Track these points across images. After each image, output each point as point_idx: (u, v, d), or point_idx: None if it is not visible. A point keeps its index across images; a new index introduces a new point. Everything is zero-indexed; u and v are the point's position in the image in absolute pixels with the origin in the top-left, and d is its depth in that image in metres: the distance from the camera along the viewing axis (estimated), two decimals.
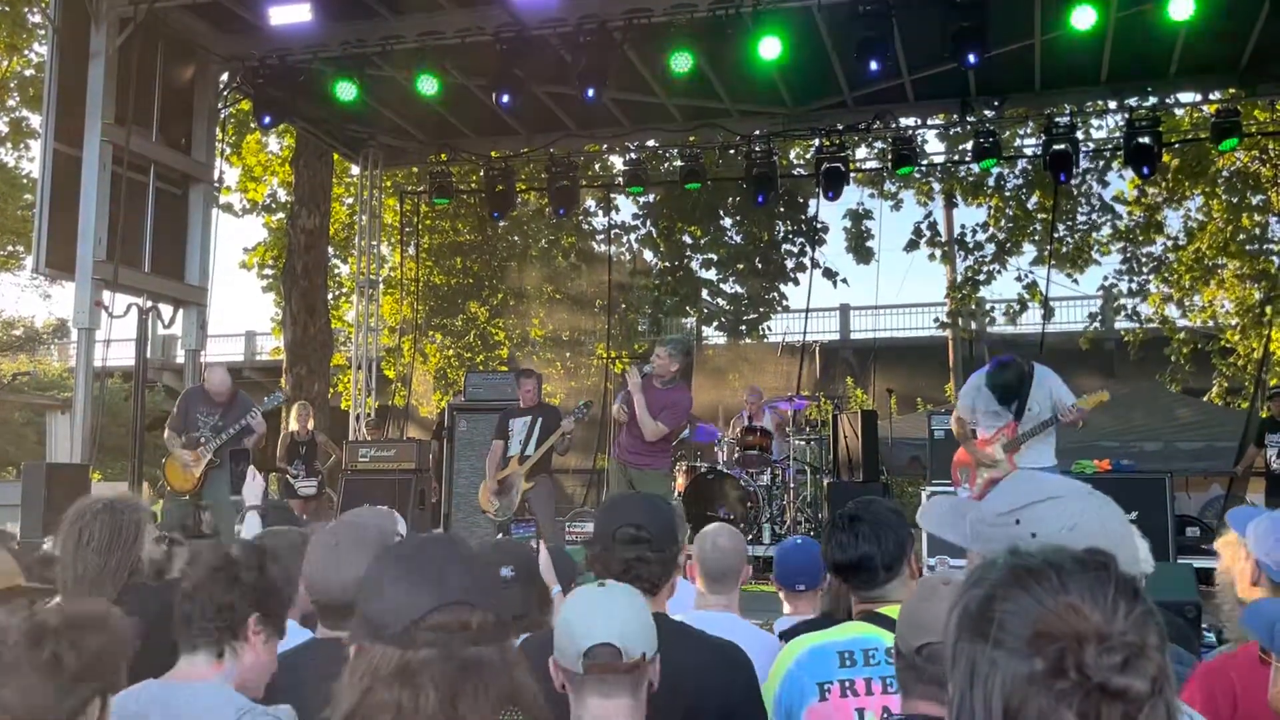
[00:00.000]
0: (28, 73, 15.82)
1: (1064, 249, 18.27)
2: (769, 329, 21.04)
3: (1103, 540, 1.38)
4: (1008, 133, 15.14)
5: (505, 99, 9.96)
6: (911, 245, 19.41)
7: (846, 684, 2.63)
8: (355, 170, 14.62)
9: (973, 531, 1.64)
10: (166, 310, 10.05)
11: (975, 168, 15.39)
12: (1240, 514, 2.92)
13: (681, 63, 9.31)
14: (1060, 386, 6.79)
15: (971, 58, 9.18)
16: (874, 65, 9.22)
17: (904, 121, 12.10)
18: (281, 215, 18.10)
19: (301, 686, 2.39)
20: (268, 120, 10.91)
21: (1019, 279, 18.83)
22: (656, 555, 2.63)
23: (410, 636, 1.47)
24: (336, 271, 18.98)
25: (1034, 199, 17.93)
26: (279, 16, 9.69)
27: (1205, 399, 18.20)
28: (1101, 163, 17.51)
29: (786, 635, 3.32)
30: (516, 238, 20.78)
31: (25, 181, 17.93)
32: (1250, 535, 2.74)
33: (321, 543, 2.69)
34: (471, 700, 1.45)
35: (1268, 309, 16.37)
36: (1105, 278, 19.21)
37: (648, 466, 8.12)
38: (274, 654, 2.48)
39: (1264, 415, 10.65)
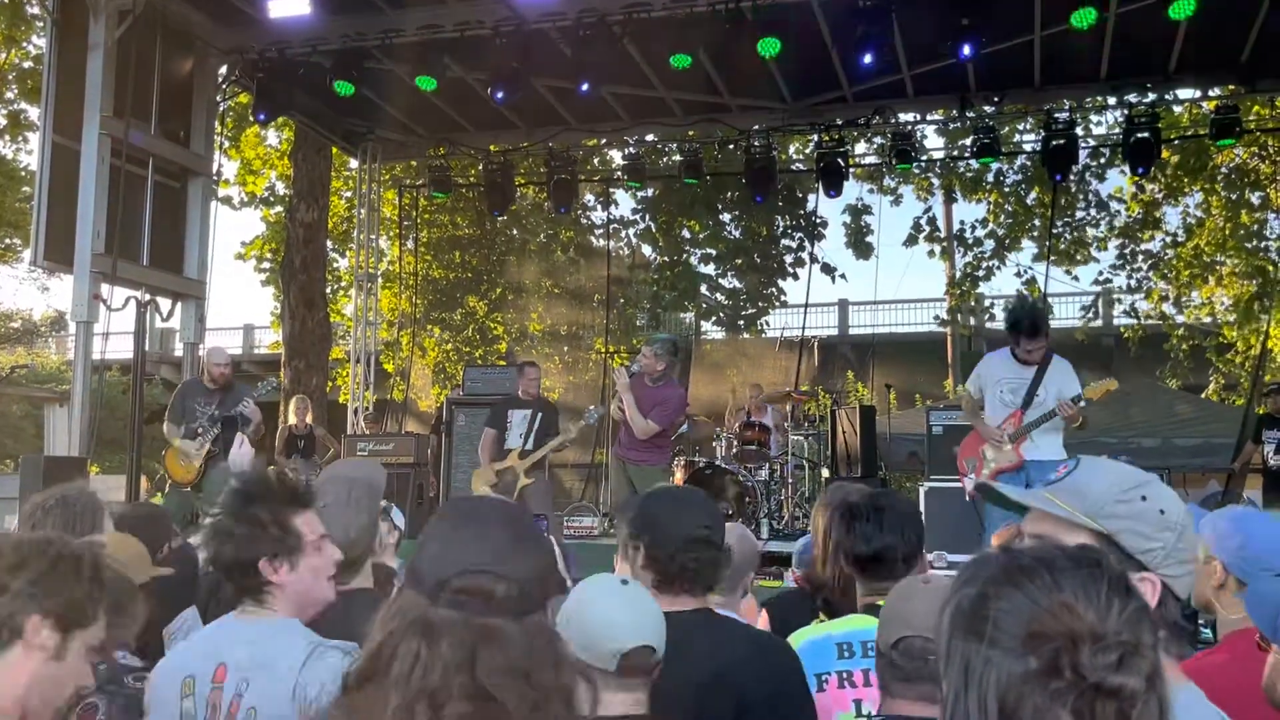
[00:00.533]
0: (26, 65, 15.77)
1: (1063, 245, 18.27)
2: (767, 324, 21.06)
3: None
4: (1007, 128, 15.13)
5: (502, 94, 9.95)
6: (911, 241, 19.41)
7: (844, 675, 2.64)
8: (354, 164, 14.59)
9: (1101, 509, 1.55)
10: (165, 303, 10.04)
11: (974, 163, 15.41)
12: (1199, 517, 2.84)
13: (683, 59, 9.30)
14: (1069, 379, 6.58)
15: (971, 53, 9.17)
16: (873, 60, 9.22)
17: (903, 117, 12.10)
18: (280, 209, 18.08)
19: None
20: (266, 114, 10.90)
21: (1018, 275, 18.86)
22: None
23: (436, 594, 1.51)
24: (335, 265, 18.96)
25: (1033, 195, 17.94)
26: (278, 9, 9.67)
27: (1203, 395, 18.22)
28: (1101, 159, 17.51)
29: (770, 605, 3.34)
30: (515, 232, 20.77)
31: (23, 174, 17.88)
32: (1209, 535, 2.64)
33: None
34: (484, 667, 1.47)
35: (1265, 305, 16.37)
36: (1100, 273, 19.21)
37: (645, 463, 8.12)
38: (311, 581, 2.45)
39: (1261, 411, 10.67)
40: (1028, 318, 6.58)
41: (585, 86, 9.67)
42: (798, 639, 2.78)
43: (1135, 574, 1.49)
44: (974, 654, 1.11)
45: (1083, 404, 6.44)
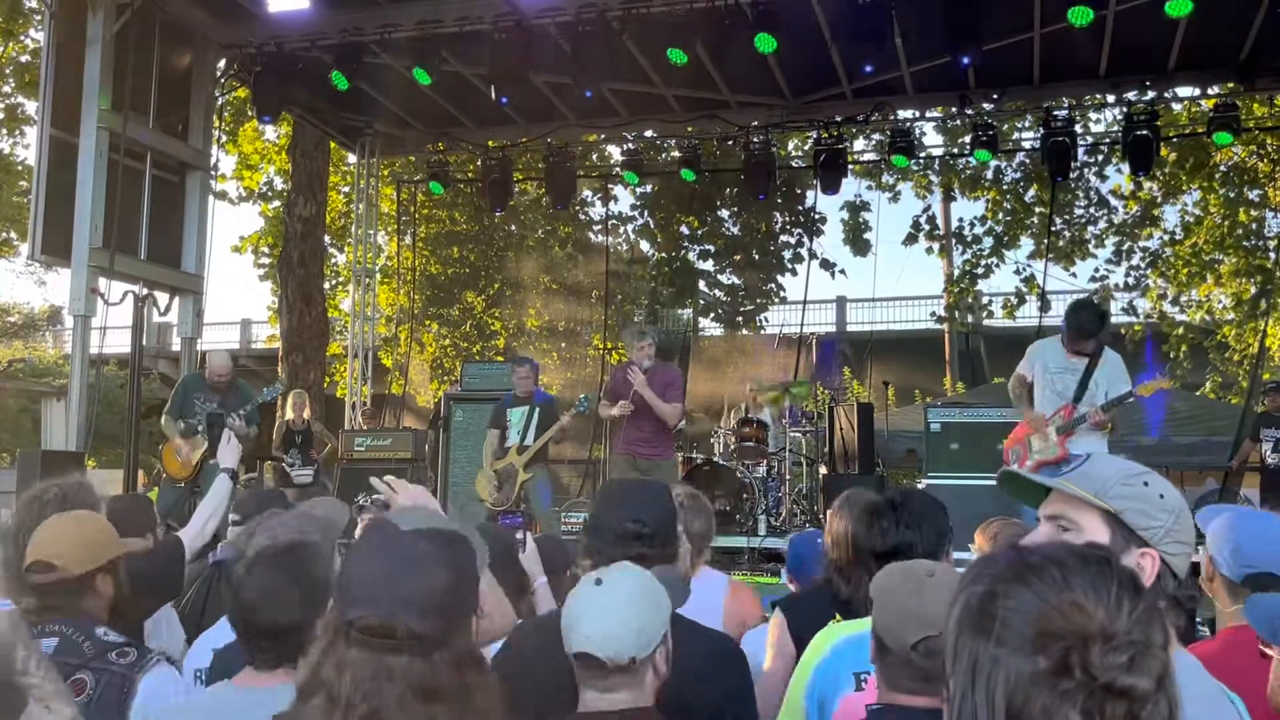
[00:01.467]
0: (24, 59, 15.74)
1: (1061, 243, 18.28)
2: (766, 320, 21.04)
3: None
4: (1006, 126, 15.13)
5: (501, 90, 9.95)
6: (910, 239, 19.40)
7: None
8: (352, 159, 14.57)
9: (1107, 491, 1.74)
10: (162, 298, 10.01)
11: (973, 161, 15.39)
12: (1207, 513, 2.95)
13: (681, 54, 9.29)
14: (1119, 376, 6.49)
15: (970, 50, 9.17)
16: (872, 57, 9.21)
17: (902, 114, 12.08)
18: (278, 203, 18.07)
19: None
20: (264, 108, 10.86)
21: (1017, 273, 18.87)
22: (657, 552, 2.61)
23: (345, 632, 1.56)
24: (333, 260, 18.96)
25: (1032, 192, 17.94)
26: (277, 3, 9.67)
27: (1200, 394, 18.23)
28: (1100, 157, 17.51)
29: (782, 604, 3.33)
30: (513, 227, 20.76)
31: (20, 168, 17.86)
32: (1209, 533, 2.80)
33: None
34: (388, 703, 1.52)
35: (1264, 304, 16.38)
36: (1097, 269, 19.22)
37: (657, 457, 8.07)
38: None
39: (1259, 410, 10.67)
40: (1079, 319, 6.53)
41: (589, 95, 9.69)
42: (837, 633, 2.75)
43: (1138, 549, 1.70)
44: (982, 652, 1.10)
45: (1131, 399, 6.38)
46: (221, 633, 2.95)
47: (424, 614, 1.56)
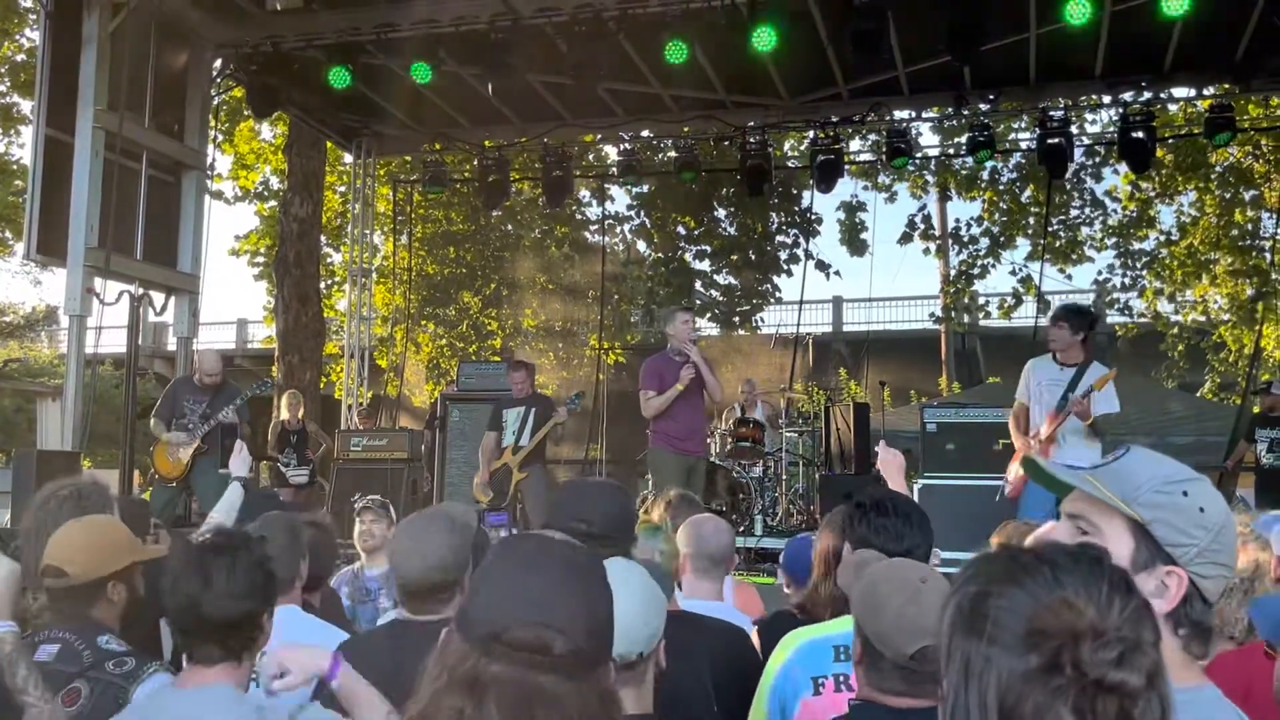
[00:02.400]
0: (19, 58, 15.72)
1: (1057, 243, 18.30)
2: (762, 321, 21.05)
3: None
4: (1002, 126, 15.14)
5: (499, 91, 9.94)
6: (905, 238, 19.42)
7: (841, 678, 2.62)
8: (348, 158, 14.56)
9: (1138, 497, 1.54)
10: (158, 297, 10.00)
11: (970, 161, 15.41)
12: (1267, 521, 2.94)
13: (676, 53, 9.29)
14: (1092, 379, 6.44)
15: (966, 51, 9.17)
16: (869, 58, 9.21)
17: (899, 114, 12.08)
18: (274, 203, 18.05)
19: (378, 665, 2.43)
20: (260, 108, 10.86)
21: (1013, 273, 18.89)
22: (607, 552, 2.59)
23: (488, 646, 1.39)
24: (329, 260, 18.94)
25: (1028, 193, 17.96)
26: (273, 2, 9.64)
27: (1198, 394, 18.26)
28: (1096, 158, 17.53)
29: (765, 626, 3.31)
30: (510, 227, 20.76)
31: (16, 168, 17.82)
32: (1276, 539, 2.78)
33: (405, 527, 2.82)
34: None
35: (1260, 304, 16.40)
36: (1099, 272, 19.29)
37: (698, 454, 7.80)
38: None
39: (1255, 410, 10.69)
40: (1060, 307, 6.81)
41: (586, 94, 9.68)
42: (797, 638, 2.76)
43: (1164, 566, 1.50)
44: (974, 652, 1.10)
45: (1093, 394, 6.35)
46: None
47: (584, 633, 1.40)
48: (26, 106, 16.11)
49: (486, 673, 1.37)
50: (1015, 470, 6.67)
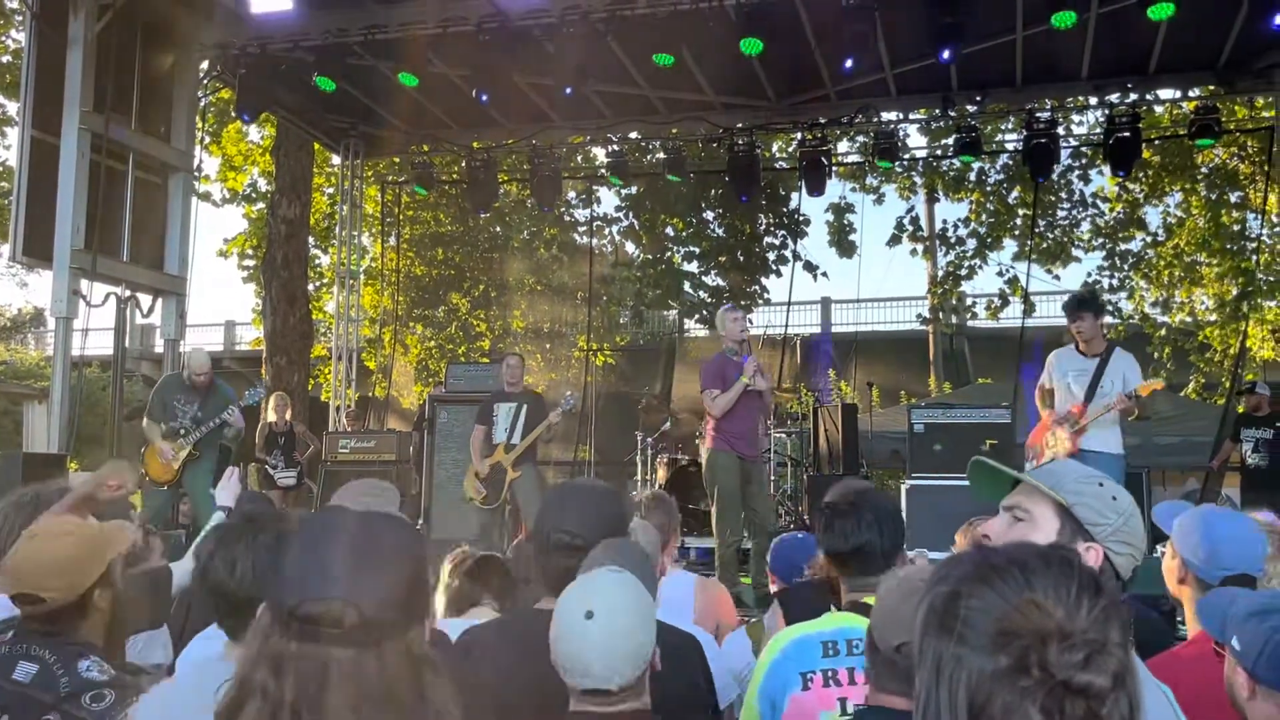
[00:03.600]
0: (4, 59, 15.65)
1: (1045, 244, 18.37)
2: (751, 322, 21.04)
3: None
4: (989, 128, 15.19)
5: (485, 91, 9.92)
6: (894, 240, 19.48)
7: (829, 673, 2.64)
8: (336, 160, 14.53)
9: (1063, 485, 1.88)
10: (145, 299, 9.99)
11: (957, 163, 15.47)
12: (1164, 510, 2.96)
13: (666, 56, 9.30)
14: (1133, 369, 6.75)
15: (952, 53, 9.20)
16: (856, 59, 9.23)
17: (886, 115, 12.12)
18: (262, 205, 18.00)
19: None
20: (247, 110, 10.83)
21: (1000, 274, 18.96)
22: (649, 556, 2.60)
23: (285, 624, 1.41)
24: (317, 262, 18.89)
25: (1015, 194, 18.02)
26: (260, 4, 9.63)
27: (1182, 394, 18.34)
28: (1083, 159, 17.60)
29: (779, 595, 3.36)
30: (498, 229, 20.75)
31: (1, 169, 17.76)
32: (1175, 532, 2.79)
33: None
34: (332, 703, 1.38)
35: (1244, 305, 16.48)
36: (1089, 274, 19.36)
37: (758, 459, 7.72)
38: None
39: (1240, 410, 10.75)
40: (1074, 298, 6.92)
41: (569, 90, 9.65)
42: (786, 636, 2.78)
43: (1084, 543, 1.82)
44: (945, 651, 1.12)
45: (1134, 399, 6.59)
46: (196, 650, 2.92)
47: (379, 602, 1.42)
48: (12, 108, 16.05)
49: (286, 650, 1.40)
50: (1041, 456, 6.91)
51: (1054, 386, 7.02)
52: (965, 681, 1.10)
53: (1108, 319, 19.58)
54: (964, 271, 18.95)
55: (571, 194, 19.60)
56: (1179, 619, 5.07)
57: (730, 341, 7.76)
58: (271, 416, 11.31)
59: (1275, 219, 14.01)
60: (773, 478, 10.90)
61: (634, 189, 18.69)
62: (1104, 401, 6.64)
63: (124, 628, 2.71)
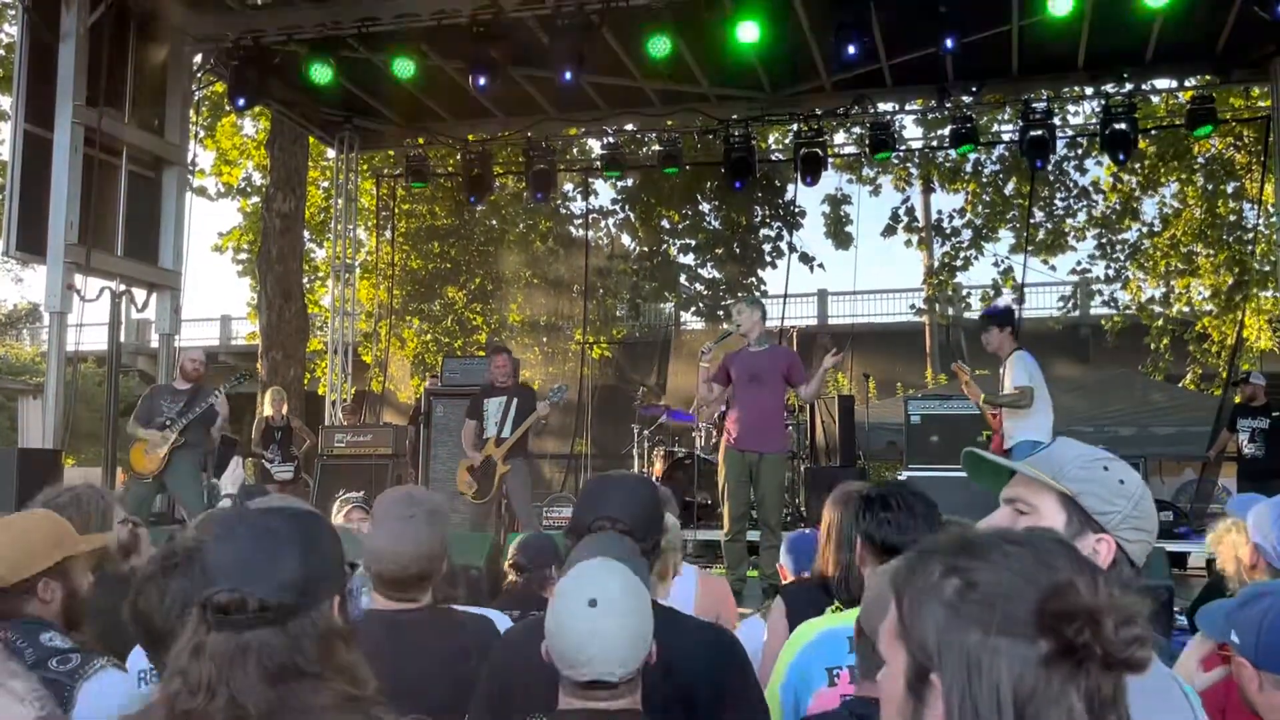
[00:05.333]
0: None
1: (1040, 235, 18.37)
2: (739, 311, 21.01)
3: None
4: (985, 118, 15.17)
5: (480, 83, 9.89)
6: (889, 230, 19.47)
7: (855, 669, 2.61)
8: (331, 153, 14.50)
9: (1064, 473, 1.72)
10: (140, 294, 9.95)
11: (953, 154, 15.44)
12: (1242, 501, 2.97)
13: (659, 46, 9.28)
14: (1019, 374, 7.27)
15: (949, 43, 9.19)
16: (852, 50, 9.21)
17: (882, 107, 12.11)
18: (257, 199, 17.97)
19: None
20: (242, 103, 10.79)
21: (995, 265, 18.97)
22: (642, 548, 2.59)
23: (203, 615, 1.56)
24: (312, 256, 18.87)
25: (1011, 185, 18.01)
26: None
27: (1180, 385, 18.36)
28: (1080, 150, 17.59)
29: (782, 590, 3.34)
30: (494, 222, 20.72)
31: None
32: (1251, 520, 2.80)
33: (387, 514, 2.77)
34: (239, 683, 1.52)
35: (1241, 295, 16.49)
36: (1079, 263, 19.36)
37: (777, 450, 7.63)
38: None
39: (1236, 400, 10.75)
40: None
41: (568, 75, 9.60)
42: (811, 630, 2.75)
43: (1094, 534, 1.68)
44: (978, 645, 1.05)
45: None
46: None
47: (276, 587, 1.56)
48: (4, 102, 15.96)
49: (206, 640, 1.55)
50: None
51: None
52: (1008, 672, 1.03)
53: (1102, 310, 19.64)
54: (959, 263, 18.96)
55: (567, 186, 19.57)
56: (1175, 609, 5.07)
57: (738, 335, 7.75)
58: (268, 411, 11.29)
59: (1272, 209, 13.93)
60: None
61: (630, 181, 18.67)
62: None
63: (82, 626, 2.70)
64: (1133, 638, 1.02)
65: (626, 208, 19.93)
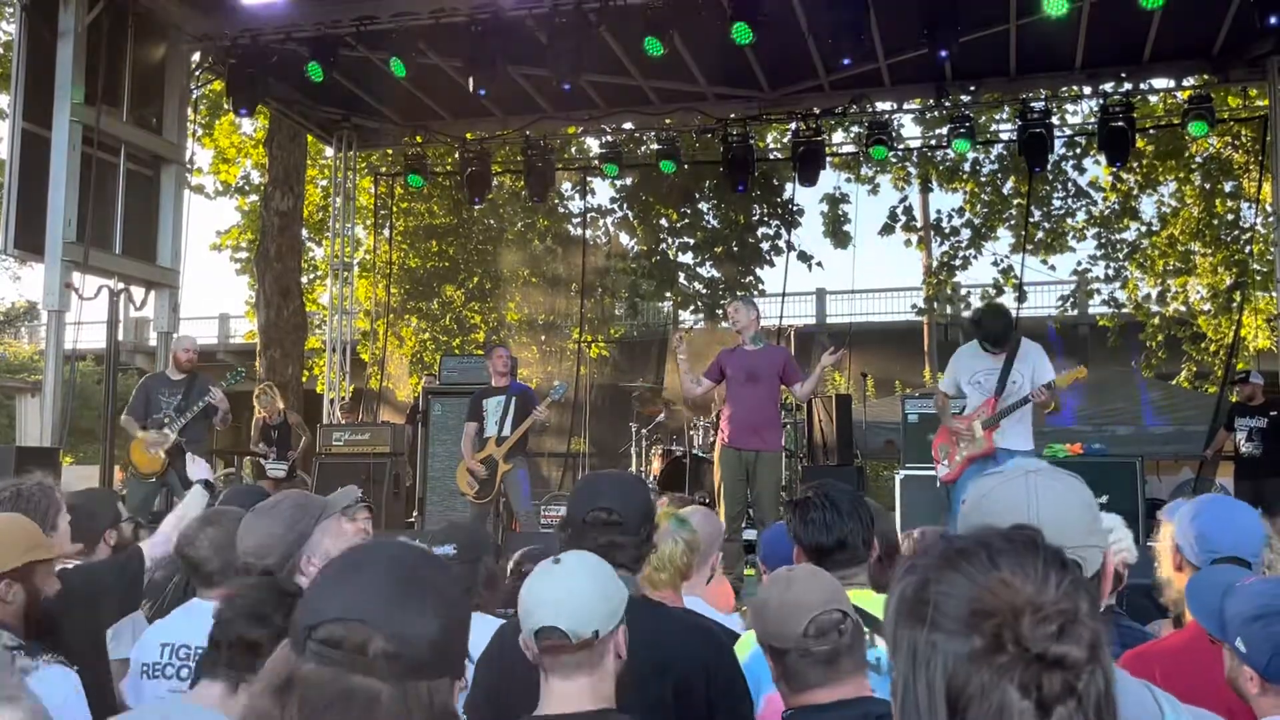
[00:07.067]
0: None
1: (1039, 234, 18.38)
2: (735, 310, 21.00)
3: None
4: (983, 118, 15.16)
5: (478, 82, 9.89)
6: (886, 229, 19.46)
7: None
8: (329, 152, 14.49)
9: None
10: (138, 292, 9.95)
11: (951, 153, 15.45)
12: (1174, 506, 3.02)
13: (657, 45, 9.28)
14: (1042, 363, 6.75)
15: (946, 42, 9.19)
16: (850, 49, 9.21)
17: (880, 105, 12.10)
18: (255, 198, 17.96)
19: None
20: (240, 101, 10.79)
21: (995, 264, 18.97)
22: (630, 539, 2.62)
23: (301, 644, 1.30)
24: (311, 254, 18.87)
25: (1009, 184, 18.01)
26: None
27: (1174, 383, 18.37)
28: (1078, 149, 17.60)
29: None
30: (492, 221, 20.71)
31: None
32: (1174, 524, 2.86)
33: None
34: None
35: (1238, 294, 16.50)
36: (1079, 263, 19.38)
37: (772, 448, 7.63)
38: None
39: (1233, 400, 10.76)
40: (985, 329, 6.93)
41: (567, 87, 9.64)
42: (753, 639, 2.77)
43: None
44: (919, 639, 1.12)
45: (1050, 391, 6.61)
46: (171, 625, 2.92)
47: (409, 636, 1.29)
48: (2, 101, 15.96)
49: (298, 672, 1.28)
50: (954, 455, 6.90)
51: (962, 391, 7.01)
52: (942, 666, 1.09)
53: (1101, 309, 19.65)
54: (958, 262, 18.97)
55: (566, 185, 19.56)
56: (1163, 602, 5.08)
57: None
58: (258, 411, 11.26)
59: (1269, 208, 13.93)
60: None
61: (628, 180, 18.67)
62: (1017, 395, 6.66)
63: (44, 626, 2.69)
64: (1047, 634, 1.07)
65: (625, 206, 19.94)
